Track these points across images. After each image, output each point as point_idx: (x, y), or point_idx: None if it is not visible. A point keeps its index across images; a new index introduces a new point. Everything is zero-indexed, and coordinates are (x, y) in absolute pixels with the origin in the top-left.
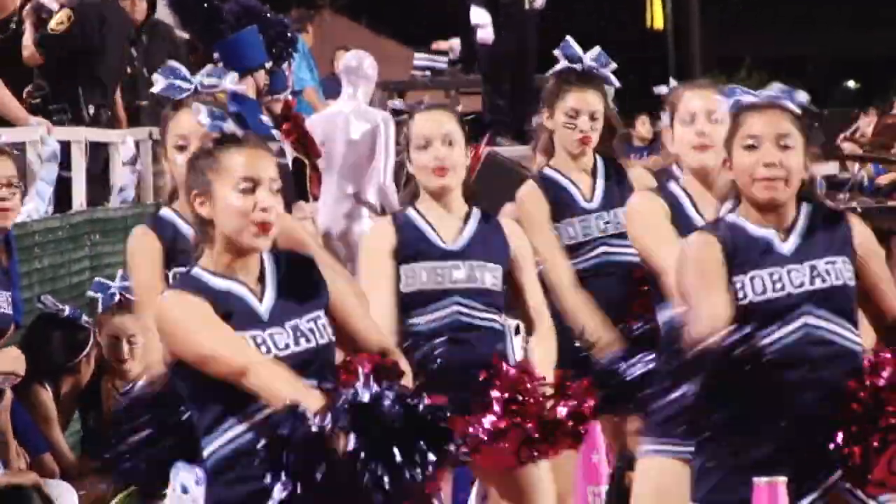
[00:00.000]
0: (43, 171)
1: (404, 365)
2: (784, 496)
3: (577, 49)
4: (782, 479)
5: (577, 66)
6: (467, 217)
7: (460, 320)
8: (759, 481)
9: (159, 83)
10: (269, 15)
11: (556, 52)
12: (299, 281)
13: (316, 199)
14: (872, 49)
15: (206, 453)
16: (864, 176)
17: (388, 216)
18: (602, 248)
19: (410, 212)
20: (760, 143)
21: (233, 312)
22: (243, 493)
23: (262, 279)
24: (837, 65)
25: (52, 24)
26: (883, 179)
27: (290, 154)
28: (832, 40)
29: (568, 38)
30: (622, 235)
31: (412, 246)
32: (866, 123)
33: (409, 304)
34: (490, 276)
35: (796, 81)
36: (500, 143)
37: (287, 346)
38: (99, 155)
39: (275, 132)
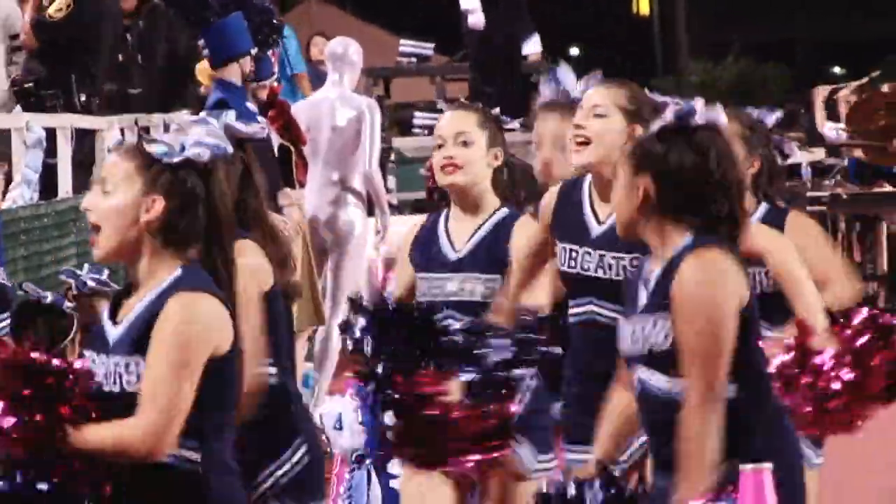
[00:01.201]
0: (28, 157)
1: None
2: (769, 482)
3: (566, 79)
4: (767, 466)
5: (562, 99)
6: (486, 220)
7: None
8: (745, 468)
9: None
10: (254, 1)
11: (542, 84)
12: (143, 319)
13: (302, 186)
14: (860, 34)
15: None
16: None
17: (422, 216)
18: None
19: (443, 213)
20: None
21: (92, 332)
22: None
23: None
24: (827, 48)
25: (51, 10)
26: (856, 152)
27: (276, 141)
28: (820, 25)
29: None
30: None
31: (423, 253)
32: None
33: None
34: (482, 288)
35: (783, 66)
36: None
37: (101, 385)
38: (85, 142)
39: (260, 119)
